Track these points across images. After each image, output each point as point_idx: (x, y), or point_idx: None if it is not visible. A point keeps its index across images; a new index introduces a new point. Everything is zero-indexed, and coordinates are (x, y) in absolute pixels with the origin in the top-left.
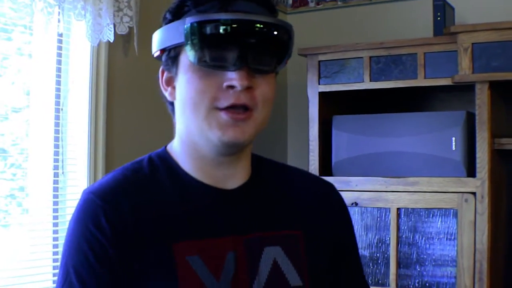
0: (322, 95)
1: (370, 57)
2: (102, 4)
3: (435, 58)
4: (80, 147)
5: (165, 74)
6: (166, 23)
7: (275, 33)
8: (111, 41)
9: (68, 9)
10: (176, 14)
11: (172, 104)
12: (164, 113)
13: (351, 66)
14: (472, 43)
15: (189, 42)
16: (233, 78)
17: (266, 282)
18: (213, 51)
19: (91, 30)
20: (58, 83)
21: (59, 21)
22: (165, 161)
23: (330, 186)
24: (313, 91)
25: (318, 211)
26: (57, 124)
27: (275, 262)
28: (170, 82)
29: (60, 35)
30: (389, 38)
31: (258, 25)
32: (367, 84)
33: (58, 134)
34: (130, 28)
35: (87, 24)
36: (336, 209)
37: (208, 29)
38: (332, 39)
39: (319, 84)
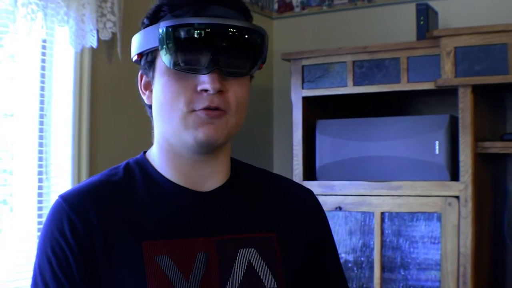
0: (306, 100)
1: (353, 62)
2: (85, 9)
3: (418, 62)
4: (64, 153)
5: (143, 78)
6: (144, 28)
7: (247, 37)
8: (94, 47)
9: (51, 15)
10: (153, 19)
11: (150, 107)
12: (147, 119)
13: (334, 70)
14: (455, 47)
15: (163, 46)
16: (205, 81)
17: (240, 284)
18: (186, 54)
19: (74, 35)
20: (42, 88)
21: (42, 26)
22: (142, 165)
23: (308, 192)
24: (297, 95)
25: (294, 214)
26: (41, 130)
27: (250, 264)
28: (148, 86)
29: (44, 40)
30: (373, 42)
31: (230, 29)
32: (351, 89)
33: (42, 140)
34: (114, 34)
35: (70, 30)
36: (312, 213)
37: (181, 33)
38: (317, 44)
39: (302, 88)
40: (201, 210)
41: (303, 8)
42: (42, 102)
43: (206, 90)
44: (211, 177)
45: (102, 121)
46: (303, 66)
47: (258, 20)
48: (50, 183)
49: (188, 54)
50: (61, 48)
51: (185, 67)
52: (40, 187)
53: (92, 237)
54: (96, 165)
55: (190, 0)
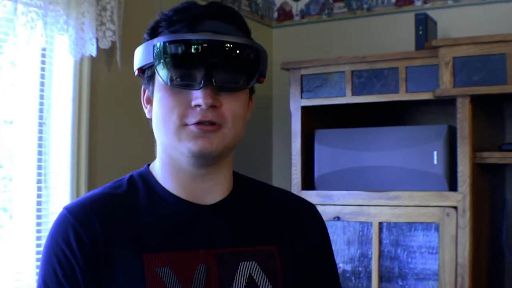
0: (305, 109)
1: (352, 71)
2: (84, 18)
3: (417, 72)
4: (63, 161)
5: (146, 92)
6: (144, 42)
7: (240, 52)
8: (94, 55)
9: (50, 23)
10: (152, 34)
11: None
12: (147, 128)
13: (333, 80)
14: (453, 57)
15: (158, 62)
16: (199, 96)
17: None
18: (180, 70)
19: (73, 44)
20: (41, 97)
21: (41, 35)
22: (145, 179)
23: (310, 205)
24: (296, 105)
25: (295, 227)
26: (40, 138)
27: (251, 277)
28: (149, 100)
29: (43, 49)
30: (372, 51)
31: (223, 45)
32: (349, 98)
33: (41, 148)
34: (113, 43)
35: (69, 38)
36: (313, 226)
37: (174, 50)
38: (316, 52)
39: (301, 98)
40: (202, 223)
41: (302, 17)
42: (41, 110)
43: (199, 105)
44: (213, 191)
45: (101, 130)
46: (302, 76)
47: (257, 28)
48: (49, 192)
49: (182, 69)
50: (61, 57)
51: (179, 83)
52: (39, 195)
53: (96, 248)
54: (95, 174)
55: (187, 15)
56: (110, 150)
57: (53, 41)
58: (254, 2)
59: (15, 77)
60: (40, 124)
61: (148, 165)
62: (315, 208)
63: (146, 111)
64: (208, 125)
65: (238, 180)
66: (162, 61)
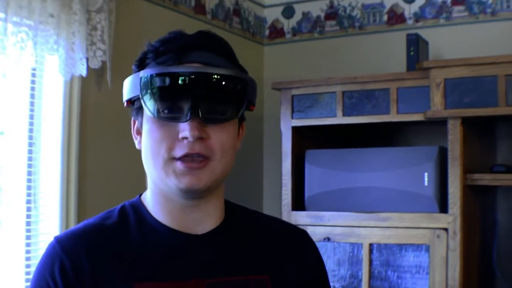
0: (296, 129)
1: (343, 92)
2: (75, 38)
3: (408, 93)
4: (52, 181)
5: (136, 123)
6: (133, 74)
7: (225, 83)
8: (84, 75)
9: (41, 43)
10: (140, 66)
11: None
12: (137, 148)
13: (324, 100)
14: (445, 79)
15: (143, 94)
16: (185, 129)
17: None
18: (167, 102)
19: (63, 64)
20: (31, 117)
21: (31, 55)
22: (137, 209)
23: (302, 232)
24: (286, 125)
25: (287, 256)
26: (29, 158)
27: None
28: (139, 131)
29: (33, 68)
30: (363, 70)
31: (209, 77)
32: (340, 119)
33: (31, 168)
34: (103, 62)
35: (60, 58)
36: (306, 254)
37: (160, 82)
38: (308, 70)
39: (292, 118)
40: (193, 253)
41: (294, 35)
42: (31, 130)
43: (186, 138)
44: (204, 221)
45: (92, 150)
46: (292, 96)
47: (249, 46)
48: (38, 212)
49: (169, 102)
50: (51, 76)
51: (166, 115)
52: (28, 216)
53: (81, 279)
54: (85, 194)
55: (174, 46)
56: (100, 170)
57: (43, 60)
58: (246, 19)
59: (4, 97)
60: (30, 144)
61: (141, 195)
62: (308, 235)
63: (136, 142)
64: (195, 162)
65: (230, 208)
66: (148, 93)
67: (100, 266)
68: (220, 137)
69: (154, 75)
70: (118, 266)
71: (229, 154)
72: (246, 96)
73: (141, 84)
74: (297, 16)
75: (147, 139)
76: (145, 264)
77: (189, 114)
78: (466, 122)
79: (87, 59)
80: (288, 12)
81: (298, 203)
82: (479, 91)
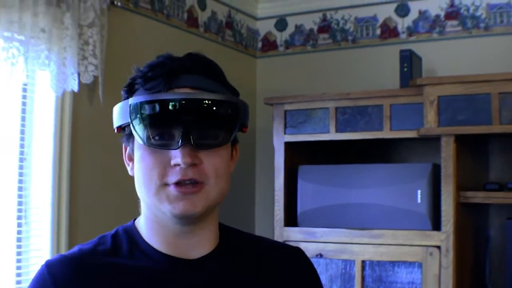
0: (288, 145)
1: (336, 108)
2: (66, 53)
3: (401, 110)
4: (43, 197)
5: (127, 149)
6: (123, 100)
7: (216, 108)
8: (76, 90)
9: (32, 58)
10: (129, 92)
11: None
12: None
13: (317, 116)
14: (438, 96)
15: (133, 121)
16: (177, 156)
17: None
18: (157, 129)
19: (55, 79)
20: (22, 132)
21: (23, 70)
22: (130, 234)
23: (296, 250)
24: (279, 140)
25: (283, 275)
26: (20, 174)
27: None
28: (130, 157)
29: (25, 84)
30: (356, 84)
31: (200, 102)
32: (333, 135)
33: (22, 184)
34: (95, 77)
35: (51, 74)
36: (301, 271)
37: (149, 110)
38: (300, 84)
39: (285, 133)
40: (187, 278)
41: (287, 47)
42: (22, 146)
43: (178, 164)
44: (198, 246)
45: (83, 166)
46: (285, 111)
47: (241, 58)
48: (29, 228)
49: (159, 128)
50: (42, 92)
51: (157, 142)
52: (19, 232)
53: None
54: (76, 210)
55: (163, 70)
56: (91, 186)
57: (35, 75)
58: (238, 32)
59: None
60: (21, 160)
61: (135, 219)
62: (303, 252)
63: (128, 168)
64: (189, 186)
65: (224, 232)
66: (138, 120)
67: None
68: (213, 161)
69: (143, 102)
70: None
71: (224, 178)
72: (238, 119)
73: (130, 111)
74: (290, 28)
75: (139, 166)
76: None
77: (180, 141)
78: (460, 139)
79: (79, 74)
80: (281, 24)
81: (291, 219)
82: (473, 109)
